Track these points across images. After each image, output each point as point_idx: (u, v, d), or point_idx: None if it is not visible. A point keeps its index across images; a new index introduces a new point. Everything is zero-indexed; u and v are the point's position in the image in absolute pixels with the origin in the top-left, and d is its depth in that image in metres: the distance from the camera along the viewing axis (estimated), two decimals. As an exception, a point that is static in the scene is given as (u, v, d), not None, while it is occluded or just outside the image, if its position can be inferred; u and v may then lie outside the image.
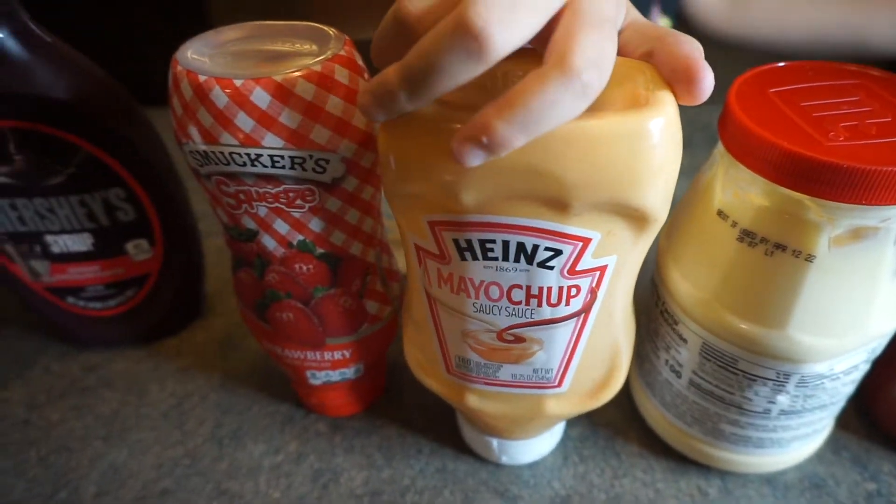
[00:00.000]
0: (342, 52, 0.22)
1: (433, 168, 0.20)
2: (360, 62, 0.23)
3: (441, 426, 0.33)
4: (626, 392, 0.35)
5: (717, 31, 0.64)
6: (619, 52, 0.22)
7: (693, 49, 0.20)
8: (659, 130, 0.19)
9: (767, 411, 0.27)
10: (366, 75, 0.24)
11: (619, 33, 0.22)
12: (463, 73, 0.17)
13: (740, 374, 0.26)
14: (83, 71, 0.30)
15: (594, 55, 0.16)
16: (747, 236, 0.23)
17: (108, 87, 0.31)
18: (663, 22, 0.70)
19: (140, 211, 0.33)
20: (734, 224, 0.24)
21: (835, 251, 0.22)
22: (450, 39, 0.16)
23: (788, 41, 0.58)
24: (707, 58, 0.20)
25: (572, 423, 0.33)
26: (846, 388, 0.26)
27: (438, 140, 0.19)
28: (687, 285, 0.26)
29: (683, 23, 0.69)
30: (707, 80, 0.19)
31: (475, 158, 0.17)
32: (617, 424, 0.33)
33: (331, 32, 0.24)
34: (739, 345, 0.25)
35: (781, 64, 0.25)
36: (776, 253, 0.23)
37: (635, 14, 0.23)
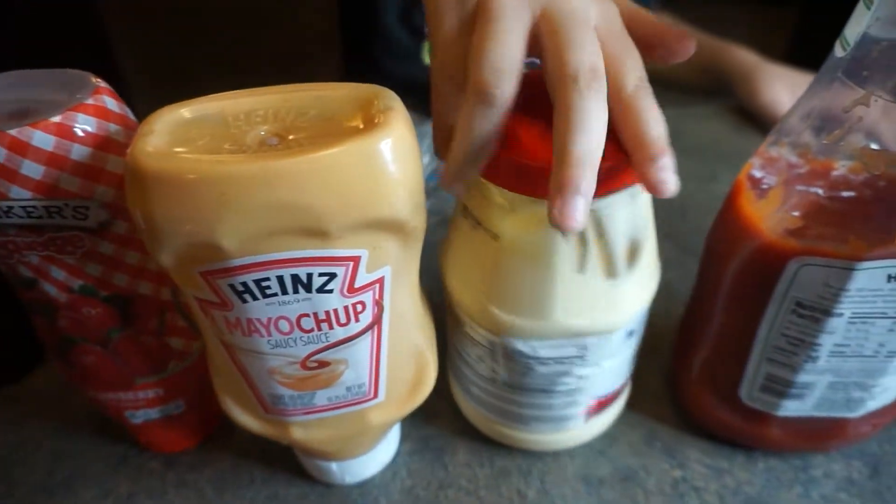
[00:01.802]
0: (88, 101, 0.23)
1: (184, 221, 0.20)
2: (115, 107, 0.24)
3: (275, 453, 0.34)
4: (456, 403, 0.36)
5: None
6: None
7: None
8: (390, 149, 0.20)
9: (492, 380, 0.30)
10: (129, 116, 0.24)
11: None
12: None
13: (467, 339, 0.29)
14: None
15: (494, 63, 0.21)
16: (463, 212, 0.26)
17: None
18: None
19: (-50, 261, 0.33)
20: (464, 207, 0.26)
21: (517, 235, 0.24)
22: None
23: (665, 76, 0.78)
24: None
25: (403, 438, 0.34)
26: (568, 378, 0.28)
27: (185, 192, 0.19)
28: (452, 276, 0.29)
29: None
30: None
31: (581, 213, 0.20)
32: (446, 437, 0.34)
33: (91, 80, 0.24)
34: (467, 316, 0.28)
35: None
36: (478, 229, 0.25)
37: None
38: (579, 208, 0.20)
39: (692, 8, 0.86)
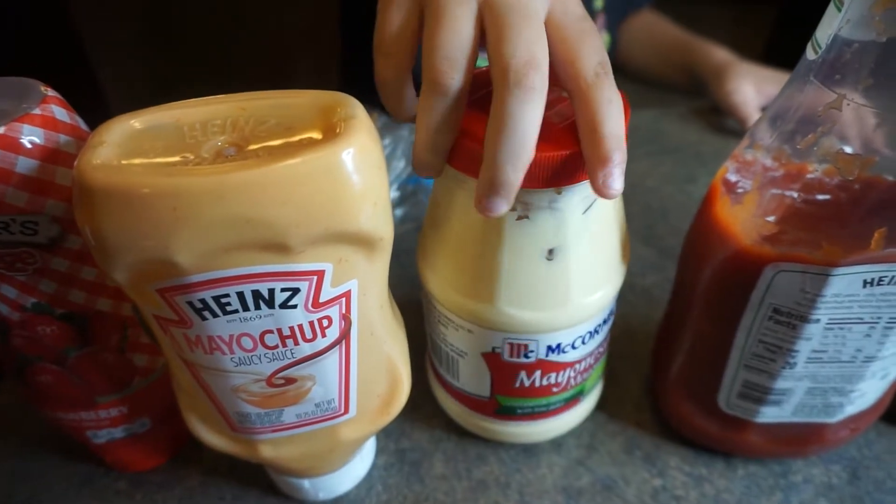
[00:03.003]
0: (35, 111, 0.22)
1: (136, 237, 0.19)
2: (65, 117, 0.23)
3: (246, 470, 0.33)
4: (433, 414, 0.35)
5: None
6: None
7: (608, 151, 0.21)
8: (351, 159, 0.20)
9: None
10: (81, 127, 0.23)
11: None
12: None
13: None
14: None
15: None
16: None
17: None
18: (605, 37, 0.75)
19: None
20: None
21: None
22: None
23: (654, 75, 0.81)
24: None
25: (379, 452, 0.33)
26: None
27: (134, 207, 0.18)
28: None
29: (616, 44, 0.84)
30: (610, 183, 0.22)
31: (499, 207, 0.22)
32: (423, 449, 0.34)
33: (39, 89, 0.23)
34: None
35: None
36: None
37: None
38: (498, 206, 0.22)
39: (673, 7, 0.86)
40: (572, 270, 0.25)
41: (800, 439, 0.31)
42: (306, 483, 0.30)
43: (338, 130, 0.20)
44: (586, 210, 0.24)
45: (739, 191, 0.26)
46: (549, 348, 0.27)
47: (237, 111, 0.22)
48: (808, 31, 0.24)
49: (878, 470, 0.32)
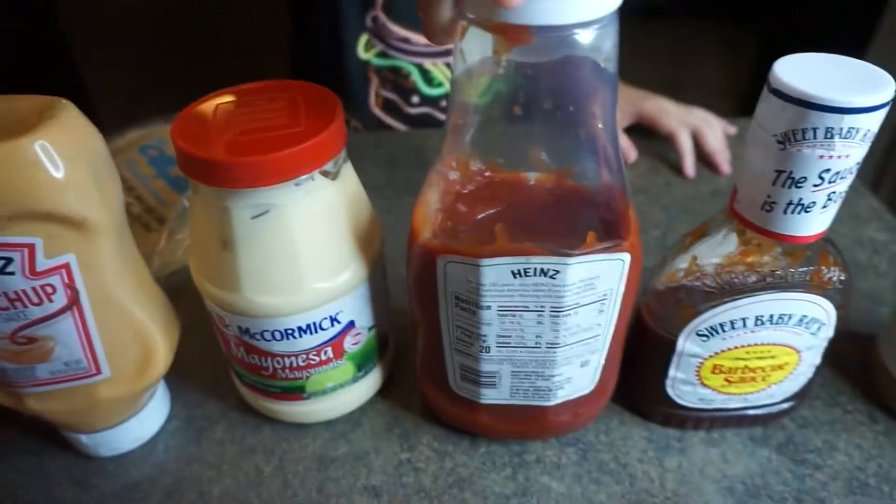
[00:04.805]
0: None
1: None
2: None
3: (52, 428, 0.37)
4: (231, 389, 0.39)
5: None
6: None
7: None
8: (41, 150, 0.24)
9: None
10: None
11: None
12: None
13: None
14: None
15: None
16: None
17: None
18: None
19: None
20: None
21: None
22: None
23: None
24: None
25: (171, 418, 0.38)
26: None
27: None
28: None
29: None
30: None
31: None
32: (212, 417, 0.38)
33: None
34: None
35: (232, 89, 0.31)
36: None
37: None
38: None
39: (670, 29, 0.89)
40: (241, 266, 0.28)
41: (524, 421, 0.34)
42: (84, 438, 0.34)
43: (36, 127, 0.25)
44: (256, 216, 0.27)
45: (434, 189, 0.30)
46: (241, 329, 0.31)
47: (-25, 112, 0.27)
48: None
49: (606, 454, 0.35)
